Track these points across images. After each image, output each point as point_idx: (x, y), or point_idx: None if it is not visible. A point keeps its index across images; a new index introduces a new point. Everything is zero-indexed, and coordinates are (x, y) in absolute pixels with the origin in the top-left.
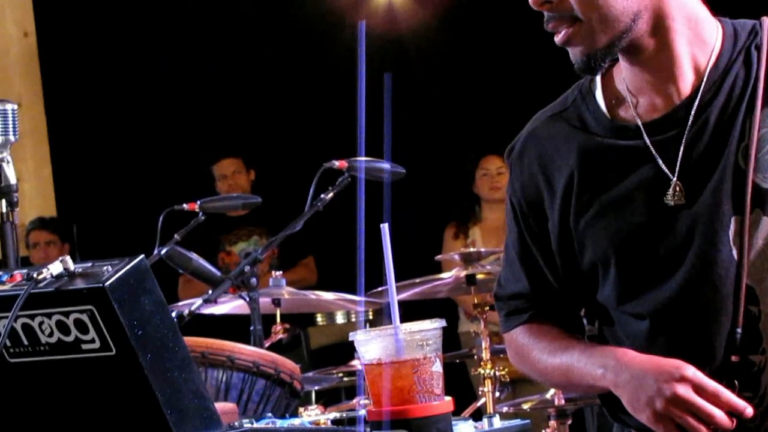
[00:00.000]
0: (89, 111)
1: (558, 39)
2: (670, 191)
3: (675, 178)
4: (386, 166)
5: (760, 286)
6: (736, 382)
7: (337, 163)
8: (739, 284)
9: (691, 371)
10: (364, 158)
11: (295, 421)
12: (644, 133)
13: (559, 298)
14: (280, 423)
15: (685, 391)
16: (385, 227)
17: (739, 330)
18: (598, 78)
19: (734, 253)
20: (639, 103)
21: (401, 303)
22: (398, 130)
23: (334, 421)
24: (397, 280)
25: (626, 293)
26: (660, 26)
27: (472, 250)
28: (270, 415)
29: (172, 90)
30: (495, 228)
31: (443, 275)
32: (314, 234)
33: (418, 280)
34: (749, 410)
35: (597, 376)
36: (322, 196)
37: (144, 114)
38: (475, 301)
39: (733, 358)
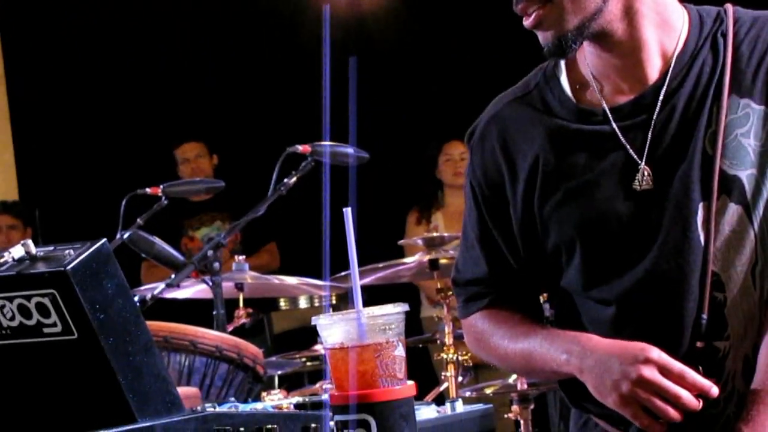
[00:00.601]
0: (51, 95)
1: (527, 22)
2: (638, 176)
3: (643, 163)
4: (350, 150)
5: (725, 273)
6: (701, 368)
7: (300, 148)
8: (705, 270)
9: (656, 353)
10: (328, 143)
11: (258, 406)
12: (611, 117)
13: (520, 282)
14: (242, 407)
15: (650, 372)
16: (348, 212)
17: (704, 316)
18: (562, 62)
19: (702, 239)
20: (605, 88)
21: (364, 288)
22: (362, 115)
23: (297, 406)
24: (360, 264)
25: (592, 279)
26: (629, 9)
27: (435, 235)
28: (233, 399)
29: (136, 73)
30: (458, 213)
31: (406, 260)
32: (277, 219)
33: (381, 265)
34: (715, 390)
35: (561, 361)
36: (285, 180)
37: (107, 97)
38: (438, 286)
39: (698, 344)
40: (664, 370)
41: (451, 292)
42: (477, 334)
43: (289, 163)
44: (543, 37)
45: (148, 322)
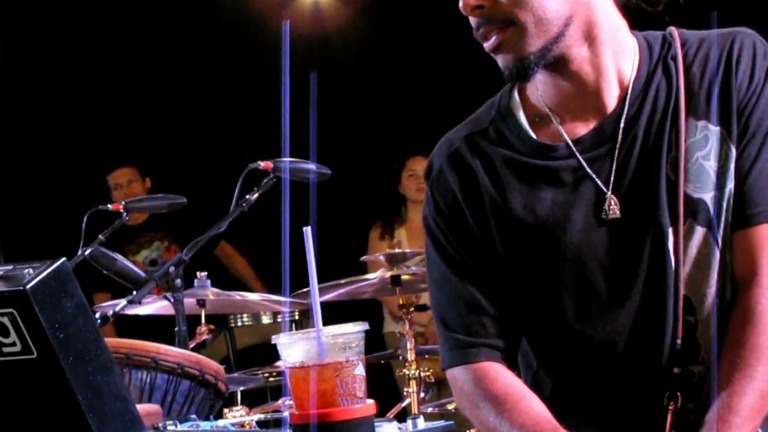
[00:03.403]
0: (4, 114)
1: (488, 45)
2: (606, 206)
3: (609, 193)
4: (312, 166)
5: (695, 296)
6: (680, 395)
7: (262, 164)
8: (678, 294)
9: None
10: (289, 159)
11: (220, 423)
12: (576, 151)
13: (497, 326)
14: (204, 425)
15: None
16: (307, 230)
17: (678, 341)
18: (517, 97)
19: (672, 263)
20: (564, 119)
21: (327, 303)
22: (324, 131)
23: (259, 423)
24: (322, 280)
25: (573, 313)
26: (589, 35)
27: (397, 251)
28: (194, 416)
29: (96, 84)
30: (421, 228)
31: (369, 276)
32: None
33: (343, 281)
34: None
35: None
36: (247, 196)
37: (67, 111)
38: (400, 302)
39: (675, 370)
40: None
41: (413, 308)
42: (461, 393)
43: (251, 179)
44: (504, 60)
45: (110, 339)
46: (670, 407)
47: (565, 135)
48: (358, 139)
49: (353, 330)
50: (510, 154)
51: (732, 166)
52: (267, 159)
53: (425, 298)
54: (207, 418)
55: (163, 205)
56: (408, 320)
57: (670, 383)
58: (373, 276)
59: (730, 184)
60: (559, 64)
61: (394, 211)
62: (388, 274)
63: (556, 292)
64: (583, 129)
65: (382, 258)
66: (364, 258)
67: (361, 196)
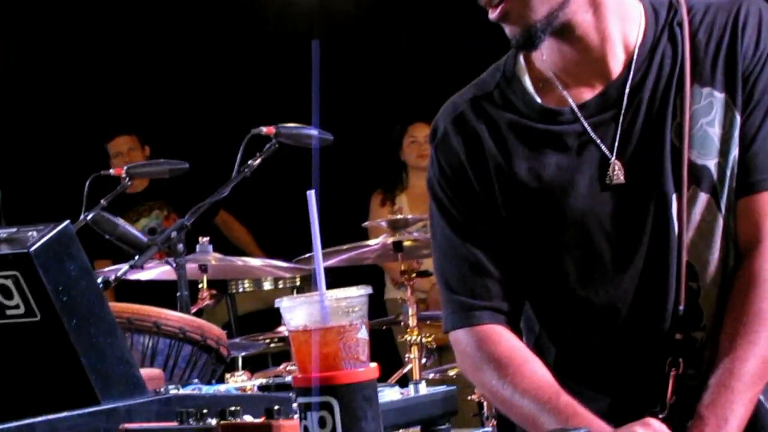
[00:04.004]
0: (9, 78)
1: (493, 15)
2: (610, 171)
3: (614, 158)
4: (314, 132)
5: (698, 262)
6: (681, 360)
7: (264, 129)
8: (680, 261)
9: (656, 423)
10: (291, 124)
11: (221, 387)
12: (580, 115)
13: (500, 288)
14: (206, 389)
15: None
16: (311, 194)
17: (681, 307)
18: (522, 62)
19: (676, 230)
20: (569, 84)
21: (328, 269)
22: (327, 97)
23: (261, 387)
24: (324, 246)
25: (576, 278)
26: (594, 1)
27: (399, 217)
28: (196, 380)
29: (100, 52)
30: (422, 195)
31: (370, 242)
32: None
33: (345, 247)
34: None
35: None
36: (249, 162)
37: (70, 75)
38: (402, 268)
39: (677, 336)
40: None
41: (414, 274)
42: (464, 356)
43: (252, 145)
44: (510, 30)
45: (112, 304)
46: (672, 373)
47: (570, 100)
48: (361, 105)
49: (356, 294)
50: (515, 118)
51: (736, 133)
52: (269, 125)
53: (427, 265)
54: (209, 383)
55: (165, 170)
56: (410, 286)
57: (672, 349)
58: (374, 242)
59: (735, 151)
60: (564, 31)
61: (396, 178)
62: (390, 240)
63: (558, 256)
64: (588, 94)
65: (383, 224)
66: (365, 224)
67: (363, 163)
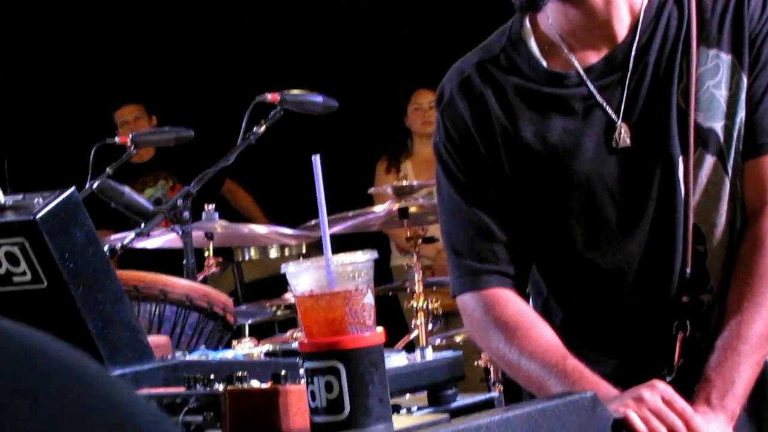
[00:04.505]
0: (16, 48)
1: None
2: (616, 135)
3: (620, 121)
4: (319, 99)
5: (705, 225)
6: (688, 323)
7: (269, 96)
8: (687, 223)
9: (662, 384)
10: (296, 91)
11: (228, 354)
12: (585, 78)
13: (508, 253)
14: (212, 355)
15: (651, 395)
16: (316, 159)
17: (688, 270)
18: (528, 24)
19: (683, 192)
20: (575, 48)
21: (334, 236)
22: (331, 64)
23: (268, 354)
24: (329, 213)
25: (584, 240)
26: None
27: (404, 183)
28: (203, 347)
29: (93, 27)
30: (427, 162)
31: (375, 208)
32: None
33: (350, 214)
34: None
35: None
36: (254, 129)
37: (76, 42)
38: (408, 235)
39: (684, 299)
40: (667, 401)
41: (420, 240)
42: (471, 320)
43: (257, 113)
44: None
45: (118, 272)
46: (679, 336)
47: (576, 63)
48: (365, 72)
49: (362, 258)
50: (521, 82)
51: (743, 95)
52: (273, 91)
53: (432, 231)
54: (216, 350)
55: (171, 138)
56: (415, 253)
57: (679, 312)
58: (380, 208)
59: (741, 113)
60: None
61: (401, 145)
62: (396, 206)
63: (565, 219)
64: (594, 57)
65: (389, 190)
66: (371, 190)
67: (368, 129)
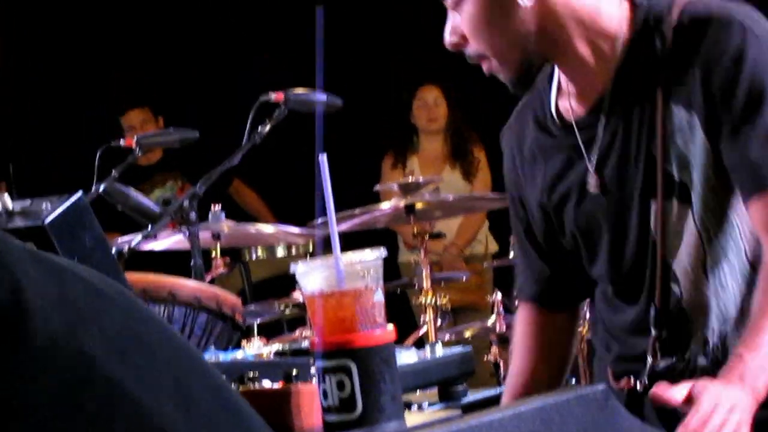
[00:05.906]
0: (21, 50)
1: (485, 70)
2: (593, 183)
3: (593, 171)
4: (323, 97)
5: (678, 268)
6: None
7: (273, 96)
8: (654, 264)
9: None
10: (300, 90)
11: (238, 354)
12: (576, 131)
13: (554, 280)
14: (223, 356)
15: None
16: (323, 158)
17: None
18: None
19: (658, 237)
20: (571, 99)
21: (341, 234)
22: (335, 61)
23: (278, 353)
24: (336, 211)
25: (593, 273)
26: (555, 39)
27: (410, 179)
28: (212, 348)
29: (99, 29)
30: (433, 158)
31: (382, 205)
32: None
33: (357, 211)
34: None
35: None
36: (259, 128)
37: (80, 47)
38: (415, 231)
39: (653, 333)
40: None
41: (427, 236)
42: (516, 327)
43: (262, 112)
44: (503, 79)
45: (126, 274)
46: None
47: (571, 115)
48: (369, 69)
49: (371, 256)
50: (537, 130)
51: (710, 149)
52: (278, 91)
53: (439, 227)
54: (225, 351)
55: (176, 140)
56: (423, 249)
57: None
58: (386, 205)
59: (708, 166)
60: (548, 60)
61: (406, 141)
62: (402, 203)
63: (577, 256)
64: (581, 110)
65: (395, 187)
66: (377, 187)
67: (373, 126)
